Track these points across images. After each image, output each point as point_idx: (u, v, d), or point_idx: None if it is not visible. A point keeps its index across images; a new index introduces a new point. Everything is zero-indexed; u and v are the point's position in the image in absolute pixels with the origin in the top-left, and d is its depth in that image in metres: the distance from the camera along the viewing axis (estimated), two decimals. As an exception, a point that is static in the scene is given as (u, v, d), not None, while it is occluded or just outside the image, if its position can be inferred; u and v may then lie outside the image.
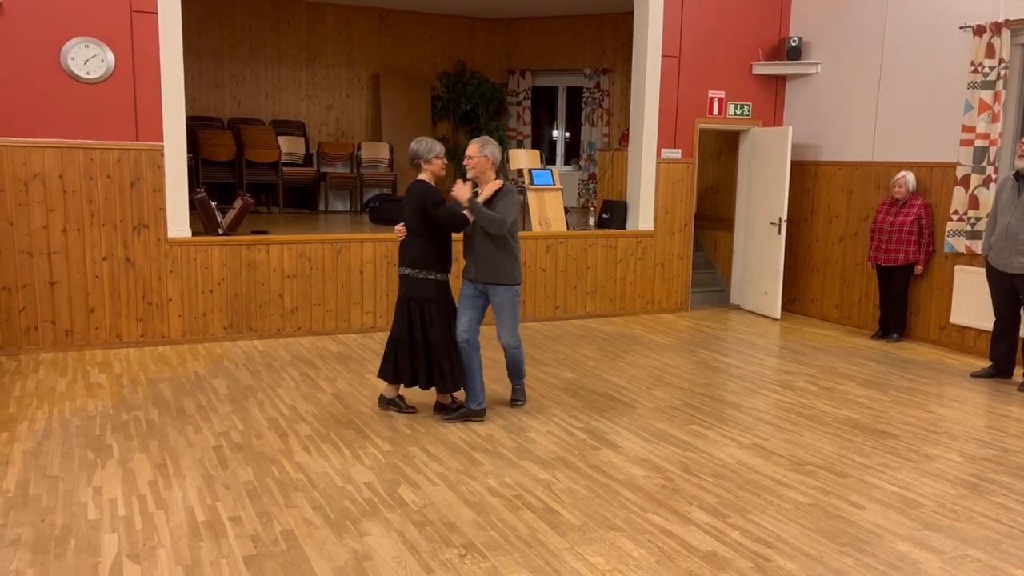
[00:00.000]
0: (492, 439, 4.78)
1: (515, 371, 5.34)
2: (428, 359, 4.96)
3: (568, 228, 8.58)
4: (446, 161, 5.03)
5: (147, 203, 6.73)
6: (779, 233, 8.50)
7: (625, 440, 4.82)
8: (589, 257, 8.42)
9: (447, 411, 5.15)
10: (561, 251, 8.28)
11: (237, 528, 3.58)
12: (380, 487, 4.06)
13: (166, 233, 6.81)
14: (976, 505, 3.99)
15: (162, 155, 6.72)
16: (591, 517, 3.76)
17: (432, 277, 4.91)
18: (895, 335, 7.61)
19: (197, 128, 10.34)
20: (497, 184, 4.86)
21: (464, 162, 4.91)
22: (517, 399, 5.41)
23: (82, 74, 6.41)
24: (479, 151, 4.85)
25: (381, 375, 5.13)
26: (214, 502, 3.84)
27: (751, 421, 5.22)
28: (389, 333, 5.10)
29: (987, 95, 6.81)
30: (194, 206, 7.23)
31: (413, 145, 4.92)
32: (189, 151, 7.48)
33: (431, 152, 4.89)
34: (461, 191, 4.75)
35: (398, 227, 4.97)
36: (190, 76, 10.65)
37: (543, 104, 13.08)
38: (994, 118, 6.82)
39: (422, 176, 4.94)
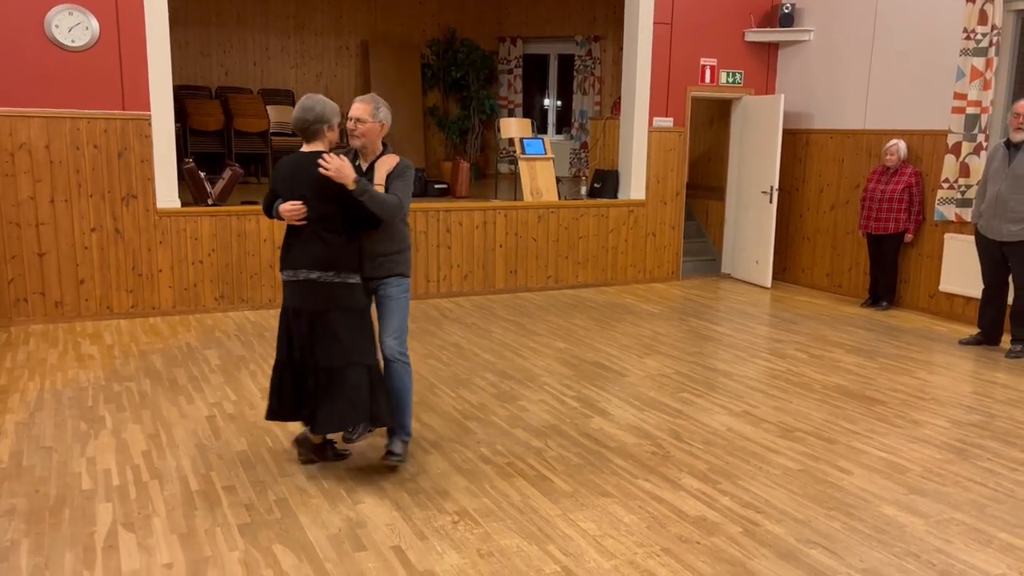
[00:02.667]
0: (484, 408, 4.81)
1: (400, 401, 3.87)
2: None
3: (560, 198, 8.55)
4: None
5: (135, 173, 6.67)
6: (770, 202, 8.50)
7: (616, 408, 4.85)
8: (581, 227, 8.41)
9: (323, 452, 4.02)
10: (553, 221, 8.27)
11: (231, 497, 3.60)
12: (373, 456, 4.08)
13: (155, 204, 6.76)
14: (962, 470, 4.04)
15: (149, 125, 6.65)
16: (583, 484, 3.80)
17: (352, 280, 3.73)
18: (885, 303, 7.66)
19: (184, 97, 10.22)
20: (393, 159, 3.79)
21: (348, 126, 3.76)
22: (394, 450, 3.88)
23: (67, 42, 6.32)
24: (372, 114, 3.73)
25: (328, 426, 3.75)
26: (208, 471, 3.86)
27: (741, 389, 5.26)
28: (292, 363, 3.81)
29: (979, 62, 6.79)
30: (183, 176, 7.17)
31: (309, 102, 3.65)
32: (176, 121, 7.40)
33: (336, 114, 3.72)
34: (344, 168, 3.51)
35: (291, 206, 3.63)
36: (176, 44, 10.50)
37: (534, 72, 12.98)
38: (986, 85, 6.80)
39: (316, 145, 3.69)
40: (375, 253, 3.80)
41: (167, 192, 6.79)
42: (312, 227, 3.65)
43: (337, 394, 3.65)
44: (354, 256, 3.72)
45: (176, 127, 7.13)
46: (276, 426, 4.45)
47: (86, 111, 6.46)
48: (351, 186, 3.53)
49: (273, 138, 10.52)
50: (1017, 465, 4.10)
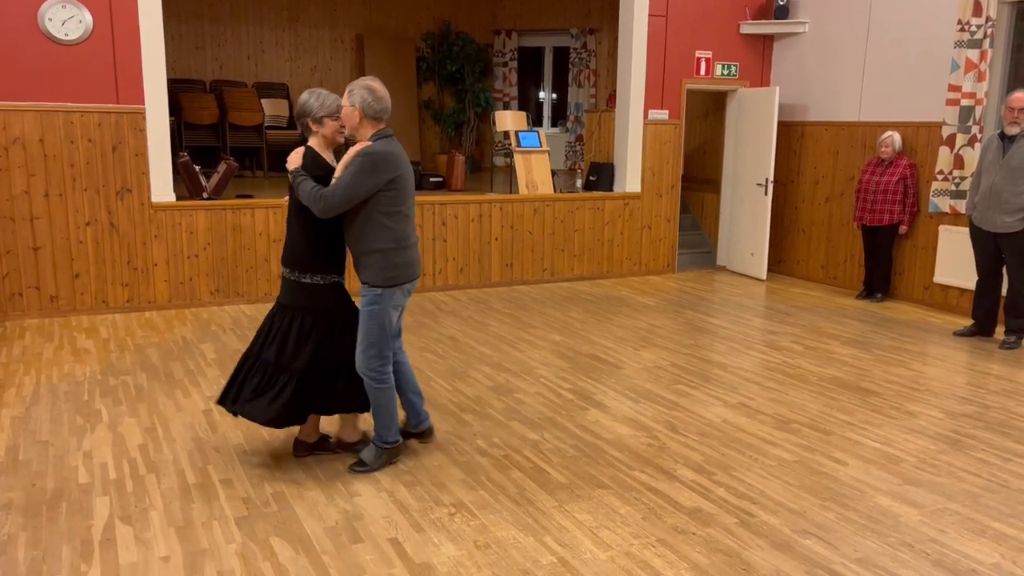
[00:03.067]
0: (481, 400, 4.82)
1: (375, 414, 3.81)
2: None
3: (555, 191, 8.55)
4: (341, 123, 3.66)
5: (130, 167, 6.66)
6: (765, 194, 8.51)
7: (612, 400, 4.87)
8: (576, 220, 8.42)
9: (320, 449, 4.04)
10: (548, 214, 8.27)
11: (228, 490, 3.61)
12: (370, 449, 4.09)
13: (150, 198, 6.75)
14: (956, 460, 4.07)
15: (143, 118, 6.63)
16: (579, 475, 3.82)
17: (306, 280, 3.71)
18: (879, 295, 7.68)
19: (179, 91, 10.18)
20: (357, 148, 3.53)
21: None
22: (362, 458, 3.86)
23: (60, 35, 6.29)
24: (347, 99, 3.58)
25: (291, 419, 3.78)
26: (205, 465, 3.87)
27: (737, 380, 5.28)
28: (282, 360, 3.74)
29: (973, 54, 6.80)
30: (177, 170, 7.16)
31: (304, 97, 3.64)
32: (171, 114, 7.37)
33: (324, 108, 3.62)
34: (291, 159, 3.64)
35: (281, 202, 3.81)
36: (170, 37, 10.46)
37: (529, 65, 12.96)
38: (980, 77, 6.81)
39: (311, 141, 3.69)
40: (352, 253, 3.72)
41: (162, 186, 6.78)
42: (288, 222, 3.73)
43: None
44: (317, 255, 3.66)
45: (170, 121, 7.10)
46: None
47: (80, 105, 6.44)
48: (289, 178, 3.59)
49: (268, 132, 10.49)
50: (1011, 455, 4.13)
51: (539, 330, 6.47)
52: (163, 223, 6.82)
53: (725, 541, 3.22)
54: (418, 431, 4.10)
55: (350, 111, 3.56)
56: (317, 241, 3.66)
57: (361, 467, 3.81)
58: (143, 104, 6.61)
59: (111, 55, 6.48)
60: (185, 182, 7.17)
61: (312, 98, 3.61)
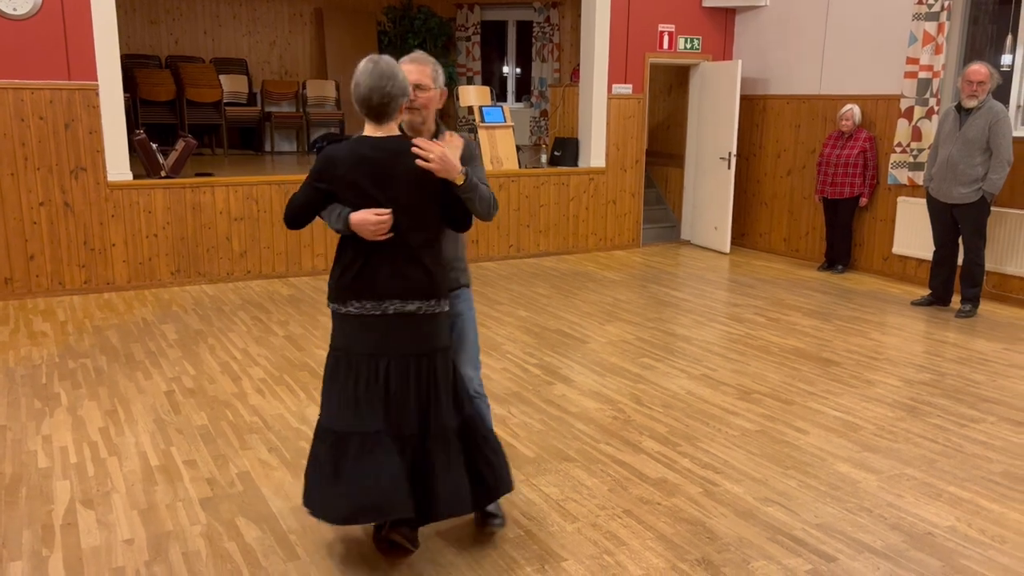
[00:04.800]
0: (447, 377, 4.81)
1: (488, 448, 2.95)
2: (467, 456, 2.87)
3: (520, 166, 8.52)
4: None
5: (83, 145, 6.50)
6: (728, 168, 8.56)
7: (578, 374, 4.89)
8: (542, 195, 8.41)
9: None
10: (514, 190, 8.25)
11: (192, 471, 3.57)
12: (336, 427, 4.07)
13: (106, 177, 6.60)
14: (913, 427, 4.16)
15: (97, 95, 6.46)
16: (545, 449, 3.84)
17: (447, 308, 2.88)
18: (840, 266, 7.80)
19: (133, 67, 9.94)
20: (459, 139, 2.88)
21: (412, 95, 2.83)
22: (494, 515, 3.08)
23: (8, 10, 6.09)
24: (433, 78, 2.89)
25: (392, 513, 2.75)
26: (168, 447, 3.82)
27: (700, 353, 5.33)
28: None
29: (931, 26, 6.88)
30: (134, 148, 7.00)
31: (387, 68, 2.67)
32: (125, 91, 7.20)
33: (409, 85, 2.77)
34: (447, 158, 2.69)
35: (377, 216, 2.66)
36: (123, 11, 10.17)
37: (493, 39, 12.85)
38: (937, 50, 6.90)
39: (390, 127, 2.75)
40: (455, 257, 3.03)
41: (118, 164, 6.63)
42: (403, 240, 2.71)
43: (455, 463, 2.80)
44: (445, 273, 2.89)
45: (125, 97, 6.94)
46: (237, 400, 4.42)
47: (30, 81, 6.25)
48: (459, 180, 2.71)
49: (227, 108, 10.30)
50: (966, 421, 4.23)
51: (505, 306, 6.47)
52: (120, 202, 6.68)
53: (690, 510, 3.27)
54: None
55: (436, 94, 2.91)
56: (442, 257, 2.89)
57: (494, 521, 3.09)
58: (96, 80, 6.44)
59: (61, 29, 6.29)
60: (142, 160, 7.02)
61: (399, 73, 2.70)
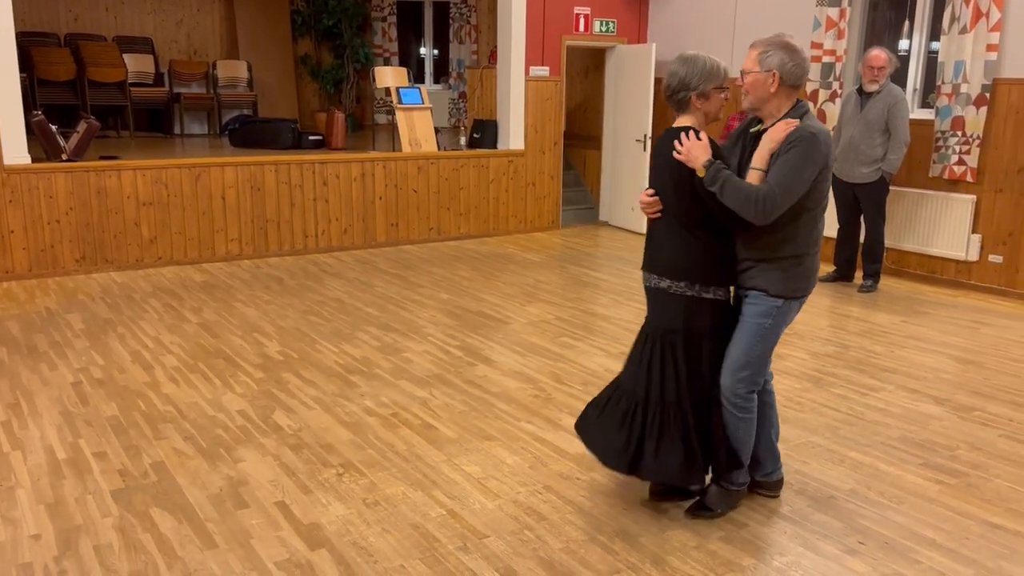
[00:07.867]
0: (368, 361, 4.79)
1: (729, 450, 3.08)
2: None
3: (439, 148, 8.48)
4: (727, 96, 2.98)
5: (-24, 127, 6.16)
6: (644, 150, 8.71)
7: (499, 355, 4.93)
8: (461, 178, 8.39)
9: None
10: (433, 172, 8.21)
11: (103, 463, 3.46)
12: (254, 414, 4.01)
13: (1, 160, 6.27)
14: (818, 397, 4.35)
15: (-10, 74, 6.13)
16: (467, 429, 3.87)
17: (708, 295, 2.96)
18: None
19: (30, 45, 9.44)
20: (785, 127, 2.79)
21: (738, 81, 2.94)
22: (707, 503, 3.17)
23: None
24: (758, 61, 2.85)
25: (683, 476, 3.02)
26: (76, 439, 3.69)
27: (619, 331, 5.44)
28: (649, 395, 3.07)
29: (834, 12, 7.13)
30: (32, 130, 6.67)
31: (674, 65, 2.94)
32: (22, 71, 6.84)
33: (714, 78, 2.89)
34: (694, 150, 2.82)
35: (646, 196, 2.98)
36: (17, -14, 9.66)
37: (409, 20, 12.71)
38: (840, 34, 7.16)
39: (685, 119, 2.96)
40: (739, 256, 2.97)
41: (15, 147, 6.31)
42: (666, 222, 2.94)
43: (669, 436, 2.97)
44: (713, 263, 2.94)
45: (21, 77, 6.59)
46: (149, 389, 4.30)
47: (-86, 59, 5.88)
48: (700, 172, 2.80)
49: (132, 89, 9.90)
50: (867, 391, 4.45)
51: (426, 289, 6.46)
52: (18, 187, 6.37)
53: (607, 484, 3.35)
54: (769, 481, 3.29)
55: (762, 78, 2.83)
56: (718, 245, 2.94)
57: (704, 512, 3.14)
58: (-12, 58, 6.10)
59: (-52, 4, 5.93)
60: (41, 143, 6.70)
61: (687, 68, 2.88)
